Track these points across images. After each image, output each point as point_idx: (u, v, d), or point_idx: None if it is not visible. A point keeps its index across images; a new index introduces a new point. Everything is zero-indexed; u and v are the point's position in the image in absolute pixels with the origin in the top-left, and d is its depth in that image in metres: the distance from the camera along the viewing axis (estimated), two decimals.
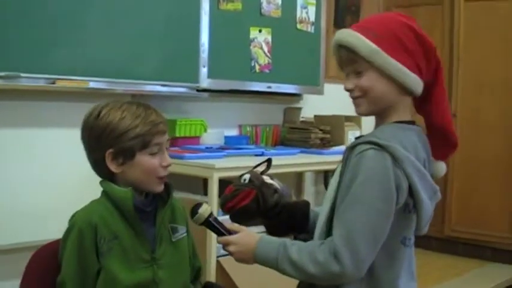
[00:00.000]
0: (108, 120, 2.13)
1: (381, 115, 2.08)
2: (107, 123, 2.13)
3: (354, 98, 2.08)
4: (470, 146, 6.11)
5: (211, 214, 2.15)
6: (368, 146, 1.91)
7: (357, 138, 2.09)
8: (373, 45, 1.97)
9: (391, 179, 1.87)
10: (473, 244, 6.16)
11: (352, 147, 1.98)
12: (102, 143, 2.13)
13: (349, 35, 2.02)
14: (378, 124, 2.10)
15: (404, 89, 2.01)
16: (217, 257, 3.80)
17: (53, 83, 3.65)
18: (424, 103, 2.10)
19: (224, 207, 2.22)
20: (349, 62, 2.04)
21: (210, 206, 2.21)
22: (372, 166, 1.88)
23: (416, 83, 2.01)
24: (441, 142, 2.09)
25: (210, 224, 2.15)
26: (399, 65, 1.97)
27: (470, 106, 6.17)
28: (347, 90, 2.07)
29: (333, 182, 2.06)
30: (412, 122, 2.08)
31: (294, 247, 1.96)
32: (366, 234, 1.86)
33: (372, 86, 2.01)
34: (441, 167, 2.16)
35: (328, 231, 1.98)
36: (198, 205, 2.15)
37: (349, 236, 1.85)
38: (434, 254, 6.29)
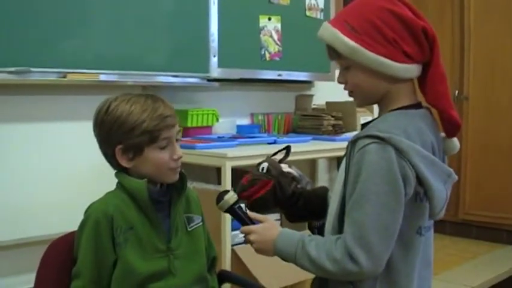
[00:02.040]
0: (116, 114, 2.14)
1: (381, 104, 2.06)
2: (115, 118, 2.14)
3: (348, 93, 2.08)
4: (483, 129, 6.10)
5: (236, 202, 2.16)
6: (369, 140, 1.88)
7: (363, 125, 2.06)
8: (351, 43, 1.93)
9: (396, 171, 1.83)
10: (487, 227, 6.14)
11: (354, 142, 1.95)
12: (112, 139, 2.15)
13: (329, 33, 1.99)
14: (381, 111, 2.07)
15: (395, 78, 1.97)
16: (232, 245, 3.80)
17: (64, 77, 3.65)
18: (421, 82, 2.05)
19: (240, 196, 2.21)
20: (334, 57, 2.03)
21: (236, 194, 2.20)
22: (375, 161, 1.85)
23: (406, 71, 1.96)
24: (444, 121, 2.04)
25: (235, 211, 2.17)
26: (381, 59, 1.92)
27: (482, 90, 6.14)
28: (339, 83, 2.07)
29: (340, 176, 2.03)
30: (416, 105, 2.04)
31: (312, 243, 1.95)
32: (378, 230, 1.83)
33: (359, 81, 2.00)
34: (454, 144, 2.10)
35: (339, 226, 1.97)
36: (224, 192, 2.18)
37: (360, 235, 1.83)
38: (449, 237, 6.28)
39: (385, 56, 1.92)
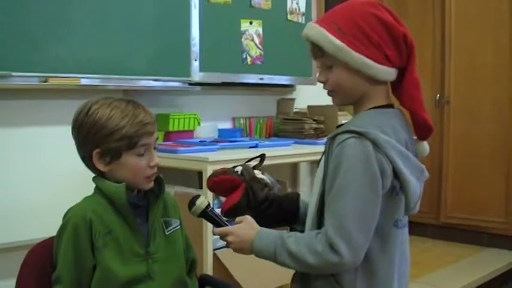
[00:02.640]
0: (96, 118, 2.14)
1: (357, 104, 2.11)
2: (95, 121, 2.13)
3: (327, 92, 2.13)
4: (465, 132, 6.13)
5: (208, 205, 2.18)
6: (348, 135, 1.93)
7: (338, 126, 2.10)
8: (338, 42, 1.99)
9: (374, 164, 1.89)
10: (469, 230, 6.16)
11: (332, 138, 2.00)
12: (90, 142, 2.14)
13: (315, 31, 2.05)
14: (356, 111, 2.13)
15: (374, 80, 2.03)
16: (214, 249, 3.80)
17: (45, 81, 3.64)
18: (396, 88, 2.12)
19: (208, 180, 2.26)
20: (318, 56, 2.07)
21: (207, 198, 2.22)
22: (354, 154, 1.90)
23: (386, 73, 2.03)
24: (417, 124, 2.10)
25: (208, 215, 2.18)
26: (365, 59, 1.98)
27: (463, 93, 6.16)
28: (320, 82, 2.11)
29: (319, 172, 2.08)
30: (389, 106, 2.10)
31: (291, 239, 1.97)
32: (358, 221, 1.87)
33: (341, 81, 2.05)
34: (424, 147, 2.16)
35: (319, 222, 2.01)
36: (196, 197, 2.18)
37: (341, 226, 1.87)
38: (431, 241, 6.31)
39: (368, 57, 1.99)
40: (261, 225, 2.17)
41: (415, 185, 1.97)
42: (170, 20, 4.33)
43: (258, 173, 2.30)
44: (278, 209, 2.26)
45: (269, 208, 2.25)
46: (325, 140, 4.54)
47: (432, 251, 5.97)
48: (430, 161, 2.08)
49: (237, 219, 2.14)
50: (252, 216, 2.18)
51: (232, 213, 2.21)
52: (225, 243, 2.13)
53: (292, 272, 2.13)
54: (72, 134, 2.21)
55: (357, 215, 1.87)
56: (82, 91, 3.83)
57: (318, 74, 2.12)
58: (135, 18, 4.11)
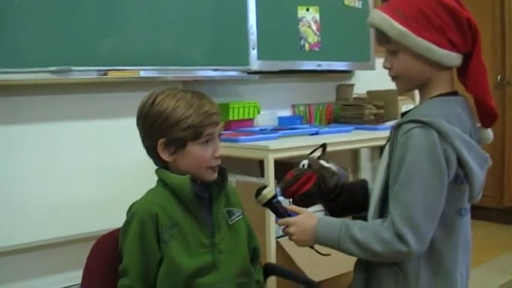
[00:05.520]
0: (162, 108, 2.15)
1: (423, 90, 2.12)
2: (161, 111, 2.15)
3: (392, 78, 2.13)
4: None
5: (274, 196, 2.21)
6: (413, 125, 1.94)
7: (402, 114, 2.12)
8: (402, 28, 2.00)
9: (440, 154, 1.90)
10: None
11: (398, 126, 2.01)
12: (155, 131, 2.16)
13: (379, 18, 2.07)
14: (421, 97, 2.13)
15: (439, 65, 2.03)
16: (277, 237, 3.80)
17: (105, 75, 3.67)
18: (462, 73, 2.11)
19: (286, 192, 2.28)
20: (383, 42, 2.08)
21: (273, 189, 2.24)
22: (420, 144, 1.91)
23: (450, 58, 2.03)
24: (482, 111, 2.09)
25: (272, 205, 2.21)
26: (429, 44, 1.99)
27: None
28: (385, 68, 2.12)
29: (383, 160, 2.09)
30: (454, 93, 2.10)
31: (356, 226, 1.99)
32: (424, 211, 1.89)
33: (406, 67, 2.06)
34: (488, 134, 2.16)
35: (382, 210, 2.03)
36: (262, 187, 2.22)
37: (408, 215, 1.89)
38: (494, 225, 6.23)
39: (432, 42, 2.00)
40: (331, 214, 2.19)
41: (479, 174, 1.98)
42: (227, 9, 4.34)
43: (323, 163, 2.32)
44: (348, 197, 2.29)
45: (339, 196, 2.28)
46: (385, 125, 4.54)
47: (496, 235, 5.90)
48: (492, 143, 2.06)
49: (296, 209, 2.16)
50: (322, 205, 2.21)
51: (305, 200, 2.25)
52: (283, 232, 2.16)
53: (354, 259, 2.13)
54: (137, 124, 2.23)
55: (424, 204, 1.89)
56: (141, 83, 3.86)
57: (382, 61, 2.12)
58: (191, 8, 4.12)
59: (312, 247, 2.14)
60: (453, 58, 2.03)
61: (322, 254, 2.15)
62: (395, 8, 2.04)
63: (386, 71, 2.12)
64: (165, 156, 2.17)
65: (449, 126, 1.92)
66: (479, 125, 2.13)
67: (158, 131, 2.15)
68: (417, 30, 1.99)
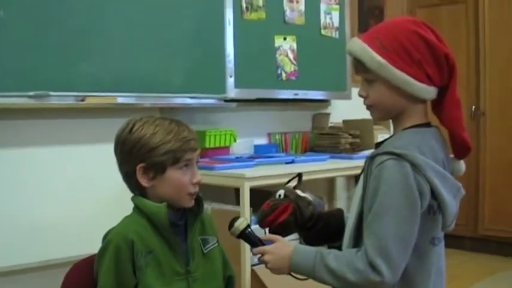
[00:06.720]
0: (140, 134, 2.16)
1: (397, 120, 2.12)
2: (139, 137, 2.16)
3: (366, 107, 2.14)
4: (501, 144, 6.09)
5: (247, 227, 2.21)
6: (387, 157, 1.95)
7: (377, 144, 2.14)
8: (381, 59, 2.00)
9: (413, 186, 1.90)
10: (507, 243, 6.11)
11: (372, 158, 2.02)
12: (134, 157, 2.16)
13: (358, 47, 2.06)
14: (395, 128, 2.14)
15: (414, 98, 2.04)
16: (252, 265, 3.80)
17: (82, 100, 3.68)
18: (436, 106, 2.12)
19: (263, 222, 2.28)
20: (360, 71, 2.09)
21: (246, 219, 2.25)
22: (393, 176, 1.92)
23: (426, 92, 2.04)
24: (455, 143, 2.11)
25: (246, 236, 2.22)
26: (406, 77, 1.99)
27: (499, 104, 6.13)
28: (360, 96, 2.12)
29: (358, 191, 2.10)
30: (428, 124, 2.11)
31: (331, 255, 1.99)
32: (397, 241, 1.90)
33: (381, 97, 2.07)
34: (460, 166, 2.17)
35: (356, 239, 2.03)
36: (235, 219, 2.23)
37: (381, 246, 1.89)
38: (468, 253, 6.26)
39: (409, 75, 2.00)
40: (307, 243, 2.20)
41: (452, 204, 1.99)
42: (205, 37, 4.37)
43: (299, 192, 2.33)
44: (324, 226, 2.30)
45: (316, 225, 2.29)
46: (361, 154, 4.57)
47: (470, 264, 5.92)
48: (466, 173, 2.08)
49: (271, 237, 2.18)
50: (299, 234, 2.22)
51: (282, 230, 2.25)
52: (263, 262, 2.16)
53: None
54: (115, 151, 2.23)
55: (396, 235, 1.90)
56: (119, 109, 3.87)
57: (358, 90, 2.13)
58: (170, 36, 4.14)
59: (289, 273, 2.15)
60: (429, 92, 2.04)
61: (299, 279, 2.16)
62: (376, 38, 2.04)
63: (362, 101, 2.13)
64: (144, 181, 2.17)
65: (422, 158, 1.93)
66: (452, 156, 2.15)
67: (137, 156, 2.15)
68: (396, 62, 1.99)
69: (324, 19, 5.32)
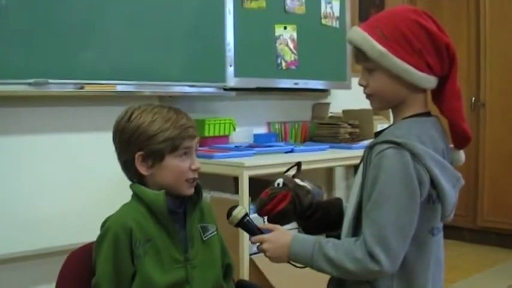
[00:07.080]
0: (139, 122, 2.16)
1: (396, 110, 2.12)
2: (138, 125, 2.15)
3: (366, 96, 2.14)
4: (501, 135, 6.09)
5: (245, 216, 2.21)
6: (387, 146, 1.95)
7: (376, 133, 2.14)
8: (382, 48, 2.00)
9: (412, 175, 1.91)
10: (506, 234, 6.12)
11: (371, 147, 2.02)
12: (132, 145, 2.15)
13: (358, 36, 2.06)
14: (395, 118, 2.14)
15: (414, 87, 2.04)
16: (250, 254, 3.80)
17: (81, 88, 3.67)
18: (437, 96, 2.12)
19: (261, 211, 2.28)
20: (361, 60, 2.09)
21: (245, 208, 2.25)
22: (393, 165, 1.92)
23: (426, 81, 2.04)
24: (455, 134, 2.11)
25: (244, 224, 2.22)
26: (406, 66, 1.99)
27: (499, 96, 6.13)
28: (360, 85, 2.12)
29: (357, 180, 2.10)
30: (427, 113, 2.11)
31: (329, 244, 2.00)
32: (396, 231, 1.90)
33: (381, 86, 2.06)
34: (460, 156, 2.17)
35: (355, 228, 2.04)
36: (233, 207, 2.22)
37: (380, 235, 1.89)
38: (468, 245, 6.27)
39: (410, 64, 2.00)
40: (305, 232, 2.20)
41: (451, 194, 1.99)
42: (205, 26, 4.36)
43: (298, 181, 2.32)
44: (323, 215, 2.30)
45: (314, 214, 2.29)
46: (360, 144, 4.57)
47: (469, 255, 5.93)
48: (466, 164, 2.08)
49: (270, 226, 2.18)
50: (297, 223, 2.22)
51: (280, 219, 2.25)
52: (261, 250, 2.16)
53: (327, 277, 2.14)
54: (114, 139, 2.23)
55: (396, 224, 1.90)
56: (118, 97, 3.86)
57: (358, 79, 2.13)
58: (170, 25, 4.13)
59: (288, 261, 2.15)
60: (429, 81, 2.04)
61: (298, 267, 2.16)
62: (376, 27, 2.04)
63: (362, 91, 2.13)
64: (142, 169, 2.17)
65: (422, 147, 1.93)
66: (452, 146, 2.15)
67: (136, 144, 2.15)
68: (397, 51, 1.98)
69: (324, 8, 5.31)
